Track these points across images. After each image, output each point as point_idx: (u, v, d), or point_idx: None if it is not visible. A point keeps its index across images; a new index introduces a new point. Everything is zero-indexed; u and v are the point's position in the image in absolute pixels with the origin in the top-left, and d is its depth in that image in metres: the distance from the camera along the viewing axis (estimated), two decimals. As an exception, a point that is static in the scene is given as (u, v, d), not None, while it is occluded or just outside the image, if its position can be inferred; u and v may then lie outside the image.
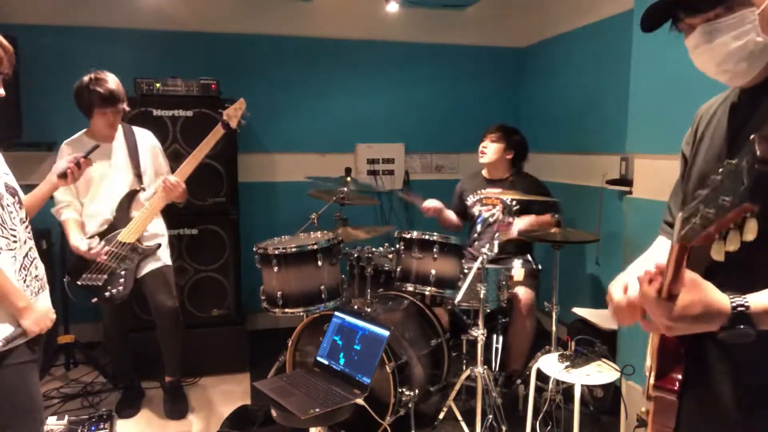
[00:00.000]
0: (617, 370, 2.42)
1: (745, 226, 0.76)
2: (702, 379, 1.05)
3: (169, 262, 2.98)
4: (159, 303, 2.86)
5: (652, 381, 1.07)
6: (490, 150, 3.35)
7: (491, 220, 3.14)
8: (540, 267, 3.25)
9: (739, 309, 0.87)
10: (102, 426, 2.48)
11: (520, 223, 3.16)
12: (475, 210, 3.40)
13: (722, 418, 1.04)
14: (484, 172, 3.50)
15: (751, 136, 0.76)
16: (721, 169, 0.77)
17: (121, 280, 2.75)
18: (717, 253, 0.92)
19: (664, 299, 0.89)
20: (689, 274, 0.89)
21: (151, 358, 3.09)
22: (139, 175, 2.84)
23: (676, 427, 1.06)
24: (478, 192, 3.43)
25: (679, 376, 1.03)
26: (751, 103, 1.03)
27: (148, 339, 3.05)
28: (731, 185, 0.75)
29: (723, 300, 0.89)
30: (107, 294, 2.73)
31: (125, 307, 3.00)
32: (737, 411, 1.01)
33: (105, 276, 2.72)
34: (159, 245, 2.88)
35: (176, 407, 3.03)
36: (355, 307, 2.83)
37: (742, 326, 0.86)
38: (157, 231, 2.93)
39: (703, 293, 0.89)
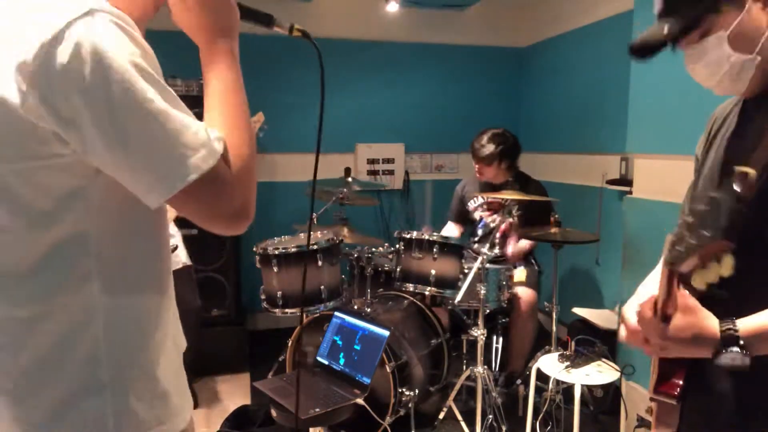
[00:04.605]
0: (617, 370, 2.42)
1: (722, 261, 0.76)
2: (703, 385, 1.06)
3: (189, 262, 3.01)
4: (187, 300, 2.89)
5: (652, 385, 1.07)
6: (485, 173, 3.28)
7: (492, 225, 3.13)
8: (542, 269, 3.24)
9: (728, 332, 0.88)
10: None
11: (518, 246, 3.16)
12: (477, 215, 3.39)
13: (723, 424, 1.04)
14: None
15: (735, 169, 0.76)
16: (708, 198, 0.77)
17: None
18: (698, 283, 0.92)
19: (658, 320, 0.90)
20: (686, 299, 0.90)
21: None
22: None
23: (679, 427, 1.07)
24: (480, 196, 3.41)
25: (681, 382, 1.03)
26: (754, 112, 1.04)
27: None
28: (712, 218, 0.75)
29: (714, 325, 0.89)
30: None
31: None
32: (738, 418, 1.02)
33: None
34: (176, 246, 2.89)
35: None
36: (355, 307, 2.83)
37: (733, 350, 0.86)
38: (171, 232, 2.95)
39: (697, 318, 0.89)
